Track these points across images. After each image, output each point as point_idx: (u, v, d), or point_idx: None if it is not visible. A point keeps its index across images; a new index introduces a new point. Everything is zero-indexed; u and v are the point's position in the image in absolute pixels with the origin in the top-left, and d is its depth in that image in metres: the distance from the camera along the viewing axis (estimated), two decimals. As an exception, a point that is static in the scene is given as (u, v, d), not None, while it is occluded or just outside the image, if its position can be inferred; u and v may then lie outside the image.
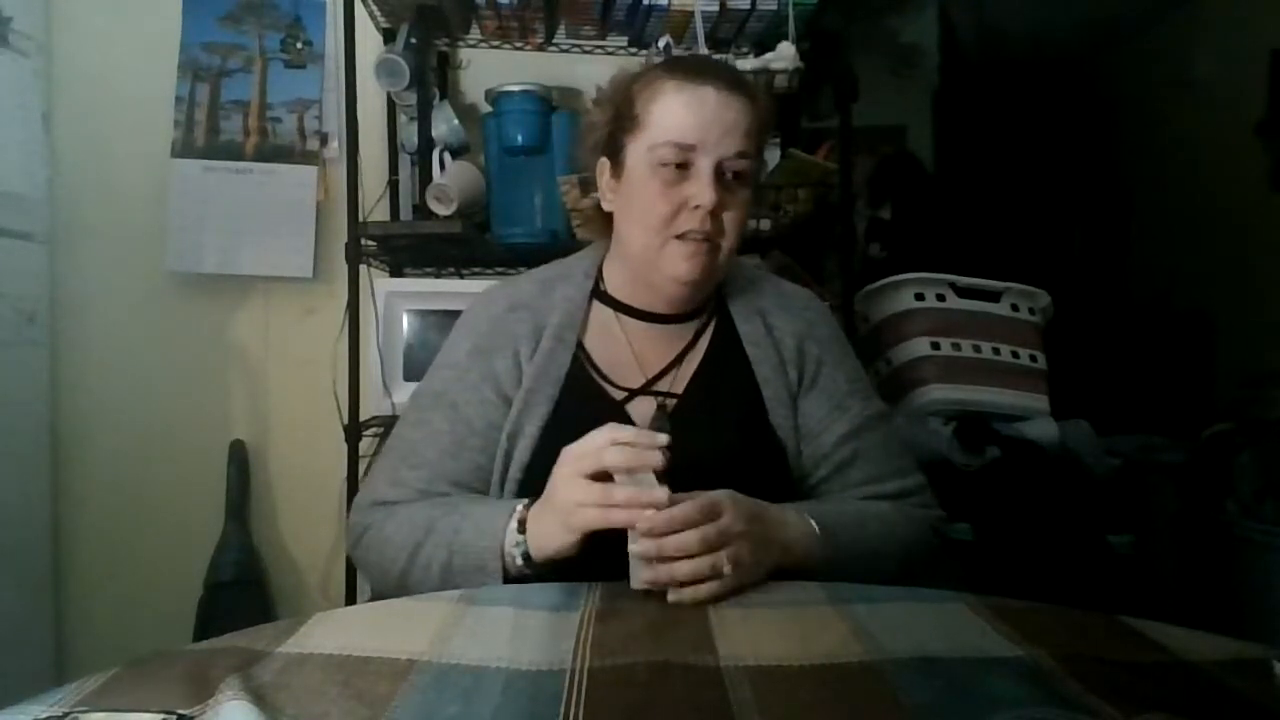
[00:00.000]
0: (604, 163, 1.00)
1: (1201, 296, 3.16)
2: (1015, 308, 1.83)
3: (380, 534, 0.92)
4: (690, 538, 0.73)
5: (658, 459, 0.75)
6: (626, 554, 0.75)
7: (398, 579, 0.89)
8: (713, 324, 1.03)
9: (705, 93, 0.92)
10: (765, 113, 0.97)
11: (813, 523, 0.87)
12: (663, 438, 0.77)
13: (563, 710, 0.54)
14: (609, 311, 1.02)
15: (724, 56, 1.73)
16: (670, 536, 0.73)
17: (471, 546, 0.84)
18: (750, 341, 1.01)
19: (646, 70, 0.98)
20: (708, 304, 1.03)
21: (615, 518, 0.75)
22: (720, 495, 0.79)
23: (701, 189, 0.91)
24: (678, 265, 0.94)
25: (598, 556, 0.78)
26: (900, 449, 1.06)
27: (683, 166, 0.92)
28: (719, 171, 0.92)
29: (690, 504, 0.75)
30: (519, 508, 0.84)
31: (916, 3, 3.42)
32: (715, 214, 0.92)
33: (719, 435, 0.96)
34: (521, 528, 0.83)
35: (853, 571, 0.83)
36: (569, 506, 0.78)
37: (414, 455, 0.96)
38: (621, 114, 0.96)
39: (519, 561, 0.82)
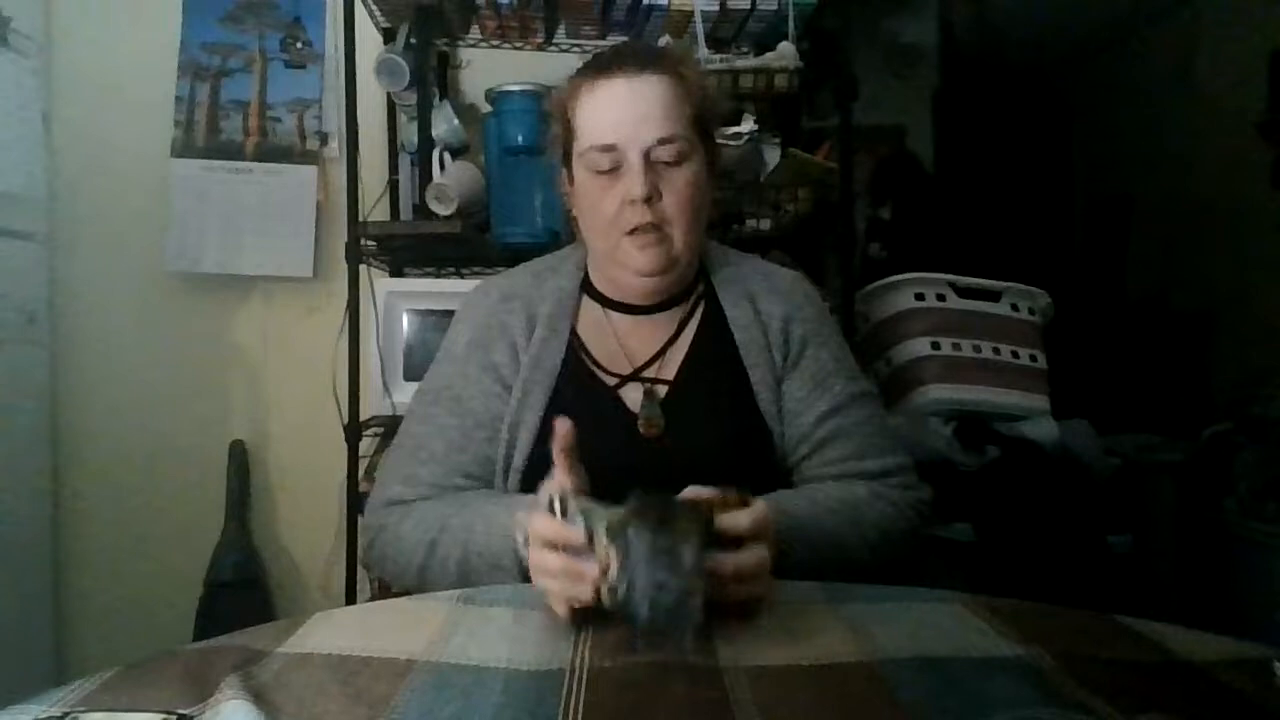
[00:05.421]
0: (563, 172, 1.01)
1: (1201, 296, 3.16)
2: (1015, 307, 1.83)
3: (395, 533, 0.93)
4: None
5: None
6: None
7: (416, 575, 0.90)
8: (700, 309, 1.03)
9: (615, 87, 0.92)
10: (693, 80, 0.95)
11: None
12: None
13: (563, 710, 0.54)
14: (597, 304, 1.03)
15: (724, 56, 1.73)
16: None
17: (488, 545, 0.84)
18: (738, 325, 1.01)
19: (572, 77, 0.98)
20: (691, 291, 1.03)
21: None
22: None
23: (632, 183, 0.90)
24: (635, 260, 0.94)
25: None
26: (884, 429, 1.04)
27: (615, 165, 0.92)
28: (649, 160, 0.91)
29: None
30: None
31: (916, 3, 3.42)
32: (655, 201, 0.92)
33: (708, 420, 0.96)
34: None
35: (817, 562, 0.82)
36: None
37: (423, 450, 0.96)
38: (564, 125, 0.97)
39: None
